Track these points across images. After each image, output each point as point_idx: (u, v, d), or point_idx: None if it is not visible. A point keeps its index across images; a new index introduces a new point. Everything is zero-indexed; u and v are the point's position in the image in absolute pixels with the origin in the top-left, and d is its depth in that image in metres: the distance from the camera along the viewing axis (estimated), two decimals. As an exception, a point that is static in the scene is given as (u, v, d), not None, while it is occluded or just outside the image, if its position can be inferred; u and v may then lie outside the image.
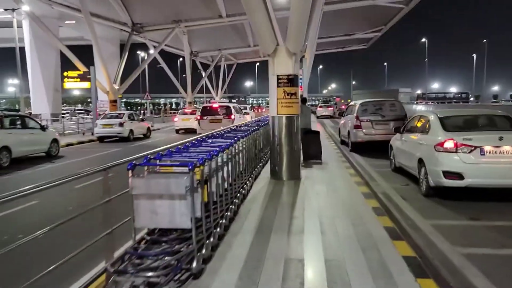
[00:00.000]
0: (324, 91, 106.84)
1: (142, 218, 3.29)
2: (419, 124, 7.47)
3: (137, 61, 62.33)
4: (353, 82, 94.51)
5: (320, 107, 42.55)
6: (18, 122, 12.11)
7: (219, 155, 4.40)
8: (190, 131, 22.77)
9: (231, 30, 31.44)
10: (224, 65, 51.86)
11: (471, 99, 67.92)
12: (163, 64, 35.54)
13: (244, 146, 6.27)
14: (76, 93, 65.96)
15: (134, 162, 3.30)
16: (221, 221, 4.32)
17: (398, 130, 8.39)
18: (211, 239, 3.83)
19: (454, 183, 5.83)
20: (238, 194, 5.56)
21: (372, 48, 43.84)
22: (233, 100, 55.23)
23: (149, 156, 3.61)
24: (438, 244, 4.41)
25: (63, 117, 33.25)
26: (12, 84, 71.86)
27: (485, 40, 59.70)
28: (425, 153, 6.46)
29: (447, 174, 5.84)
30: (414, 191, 6.91)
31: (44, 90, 33.07)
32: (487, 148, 5.68)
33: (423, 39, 64.79)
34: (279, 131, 7.51)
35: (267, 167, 8.27)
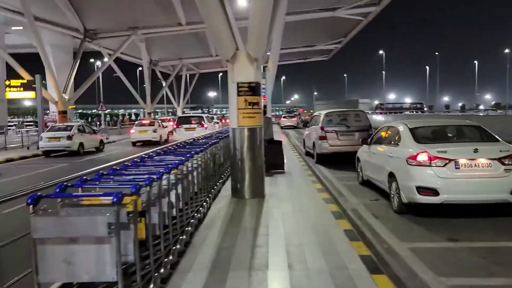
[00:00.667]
0: (288, 102, 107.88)
1: (50, 270, 2.44)
2: (387, 136, 7.04)
3: (94, 70, 60.00)
4: (315, 93, 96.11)
5: (284, 117, 42.51)
6: None
7: (164, 177, 3.62)
8: (148, 143, 21.61)
9: (192, 38, 30.60)
10: (186, 75, 50.72)
11: (425, 109, 70.88)
12: (119, 73, 33.99)
13: (200, 162, 5.51)
14: (28, 103, 61.97)
15: (39, 193, 2.45)
16: (166, 259, 3.52)
17: (365, 142, 7.95)
18: (151, 286, 3.02)
19: (429, 200, 5.36)
20: (192, 220, 4.76)
21: (334, 60, 44.59)
22: (204, 110, 55.09)
23: (66, 183, 2.77)
24: (420, 274, 3.84)
25: (9, 129, 30.76)
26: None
27: (437, 53, 62.72)
28: (396, 167, 5.99)
29: (421, 190, 5.37)
30: (385, 207, 6.42)
31: (-12, 101, 30.46)
32: (462, 161, 5.28)
33: (381, 51, 67.13)
34: (241, 144, 6.80)
35: (229, 183, 7.52)
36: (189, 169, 4.77)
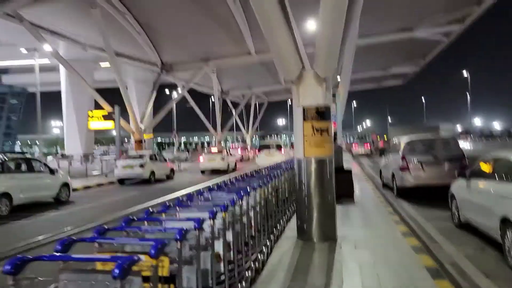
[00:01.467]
0: (360, 128, 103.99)
1: None
2: (495, 169, 5.59)
3: (169, 100, 64.03)
4: (389, 119, 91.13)
5: (356, 144, 40.50)
6: (24, 166, 11.18)
7: (207, 223, 2.85)
8: (217, 171, 21.57)
9: (261, 68, 30.82)
10: (256, 103, 51.36)
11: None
12: (192, 103, 35.27)
13: (259, 199, 4.70)
14: (114, 133, 67.34)
15: (21, 256, 1.79)
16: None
17: (463, 174, 6.50)
18: None
19: None
20: (247, 273, 3.90)
21: (409, 83, 41.77)
22: (277, 137, 57.69)
23: (72, 237, 2.11)
24: None
25: (94, 157, 33.27)
26: (55, 126, 75.07)
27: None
28: (514, 211, 4.57)
29: (558, 246, 3.92)
30: (496, 261, 4.95)
31: (77, 131, 33.41)
32: None
33: (464, 72, 61.59)
34: (307, 178, 5.87)
35: (294, 221, 6.58)
36: (244, 208, 3.98)
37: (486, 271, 4.61)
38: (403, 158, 10.00)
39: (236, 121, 50.59)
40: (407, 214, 8.07)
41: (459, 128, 66.57)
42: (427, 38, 24.25)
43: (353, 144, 42.26)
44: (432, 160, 9.74)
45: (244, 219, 3.92)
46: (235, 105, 45.94)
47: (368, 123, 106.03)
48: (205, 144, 71.99)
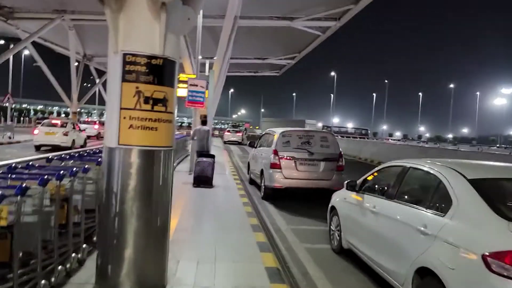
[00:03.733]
0: (234, 116, 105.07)
1: None
2: (406, 185, 3.88)
3: (26, 58, 53.05)
4: (262, 110, 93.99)
5: (228, 131, 39.28)
6: None
7: None
8: (57, 148, 17.06)
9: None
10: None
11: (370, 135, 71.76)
12: (40, 62, 28.62)
13: None
14: None
15: None
16: None
17: (352, 186, 4.79)
18: None
19: None
20: None
21: (284, 76, 42.36)
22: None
23: None
24: None
25: None
26: None
27: (386, 81, 63.69)
28: (449, 265, 2.80)
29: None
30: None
31: None
32: None
33: (332, 73, 66.80)
34: (122, 183, 3.27)
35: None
36: None
37: None
38: (275, 152, 8.22)
39: (100, 92, 44.28)
40: (275, 228, 6.20)
41: (320, 124, 72.31)
42: (304, 30, 23.90)
43: (226, 131, 41.00)
44: (307, 158, 8.19)
45: None
46: (102, 74, 39.89)
47: (243, 111, 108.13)
48: (59, 114, 62.09)
